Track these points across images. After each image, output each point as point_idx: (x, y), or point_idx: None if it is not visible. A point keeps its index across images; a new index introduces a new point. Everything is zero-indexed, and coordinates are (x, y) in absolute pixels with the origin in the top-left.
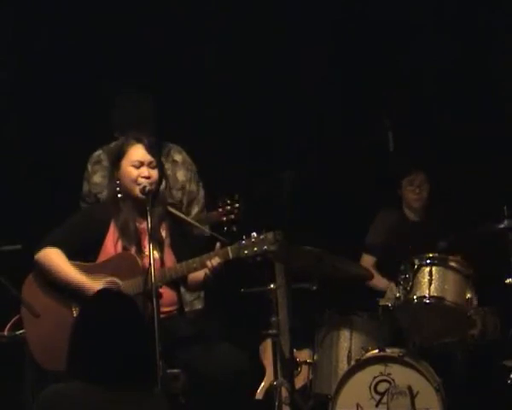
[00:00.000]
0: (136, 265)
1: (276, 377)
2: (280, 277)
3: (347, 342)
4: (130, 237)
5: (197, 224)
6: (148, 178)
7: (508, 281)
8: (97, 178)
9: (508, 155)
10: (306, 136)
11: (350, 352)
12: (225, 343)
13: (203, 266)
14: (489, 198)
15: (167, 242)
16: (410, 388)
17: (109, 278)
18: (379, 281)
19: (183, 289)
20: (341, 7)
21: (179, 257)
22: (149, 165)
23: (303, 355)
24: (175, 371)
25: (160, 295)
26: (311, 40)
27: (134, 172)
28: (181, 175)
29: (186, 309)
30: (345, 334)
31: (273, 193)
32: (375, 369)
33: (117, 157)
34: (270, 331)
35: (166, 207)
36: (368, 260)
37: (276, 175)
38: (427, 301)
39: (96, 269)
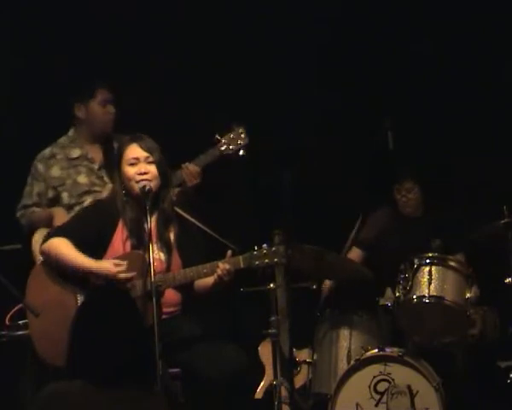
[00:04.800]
0: (145, 265)
1: (275, 377)
2: (280, 276)
3: (347, 342)
4: (139, 237)
5: (206, 228)
6: (145, 173)
7: (507, 281)
8: (55, 171)
9: (508, 155)
10: (306, 136)
11: (349, 351)
12: (225, 343)
13: (213, 272)
14: (489, 198)
15: (174, 245)
16: (409, 387)
17: (116, 261)
18: None
19: None
20: (341, 6)
21: (186, 261)
22: (146, 160)
23: (302, 355)
24: (175, 370)
25: (161, 294)
26: (311, 40)
27: (131, 171)
28: None
29: None
30: (344, 333)
31: (273, 192)
32: (375, 368)
33: (117, 160)
34: (270, 331)
35: (174, 209)
36: (356, 254)
37: (276, 175)
38: (427, 301)
39: None
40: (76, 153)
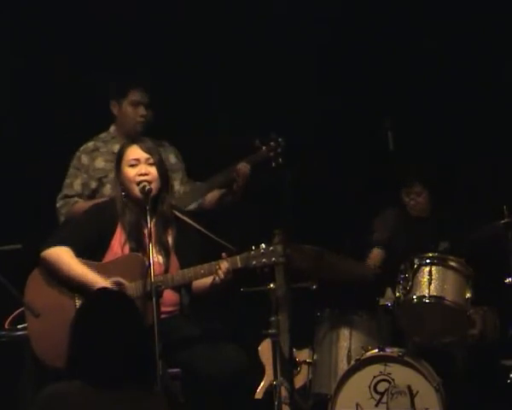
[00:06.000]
0: (143, 267)
1: (275, 377)
2: (280, 276)
3: (347, 342)
4: (138, 240)
5: (205, 230)
6: (145, 174)
7: (507, 281)
8: (99, 163)
9: (508, 155)
10: (306, 136)
11: (349, 351)
12: (225, 343)
13: (211, 273)
14: (489, 198)
15: (172, 248)
16: (409, 387)
17: (116, 278)
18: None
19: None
20: (341, 6)
21: (183, 263)
22: (146, 162)
23: (302, 355)
24: (175, 370)
25: (160, 295)
26: (311, 40)
27: (131, 172)
28: (172, 158)
29: None
30: (344, 333)
31: (274, 192)
32: (375, 369)
33: (117, 162)
34: (270, 331)
35: (173, 212)
36: (377, 254)
37: (276, 175)
38: (427, 301)
39: (103, 268)
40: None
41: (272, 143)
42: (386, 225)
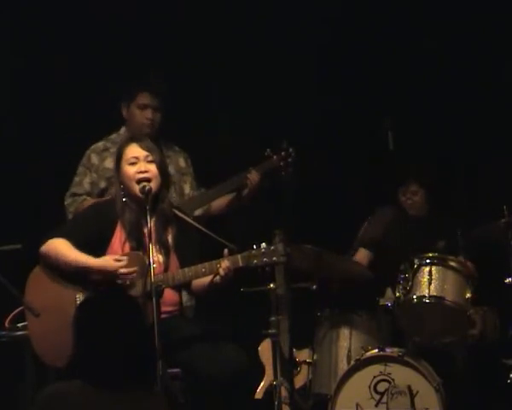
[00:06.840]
0: (143, 266)
1: (275, 377)
2: (280, 276)
3: (347, 342)
4: (138, 239)
5: (205, 229)
6: (145, 172)
7: (507, 281)
8: (109, 163)
9: (508, 155)
10: (306, 136)
11: (349, 351)
12: (225, 343)
13: (212, 271)
14: (489, 198)
15: (172, 247)
16: (409, 387)
17: (117, 256)
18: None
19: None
20: (341, 6)
21: (183, 262)
22: (145, 159)
23: (302, 355)
24: (175, 370)
25: (160, 295)
26: (311, 40)
27: (131, 170)
28: (182, 162)
29: None
30: (344, 333)
31: (274, 192)
32: (375, 369)
33: (117, 161)
34: (270, 331)
35: (172, 211)
36: (363, 255)
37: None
38: (427, 301)
39: None
40: None
41: (283, 153)
42: (379, 223)
